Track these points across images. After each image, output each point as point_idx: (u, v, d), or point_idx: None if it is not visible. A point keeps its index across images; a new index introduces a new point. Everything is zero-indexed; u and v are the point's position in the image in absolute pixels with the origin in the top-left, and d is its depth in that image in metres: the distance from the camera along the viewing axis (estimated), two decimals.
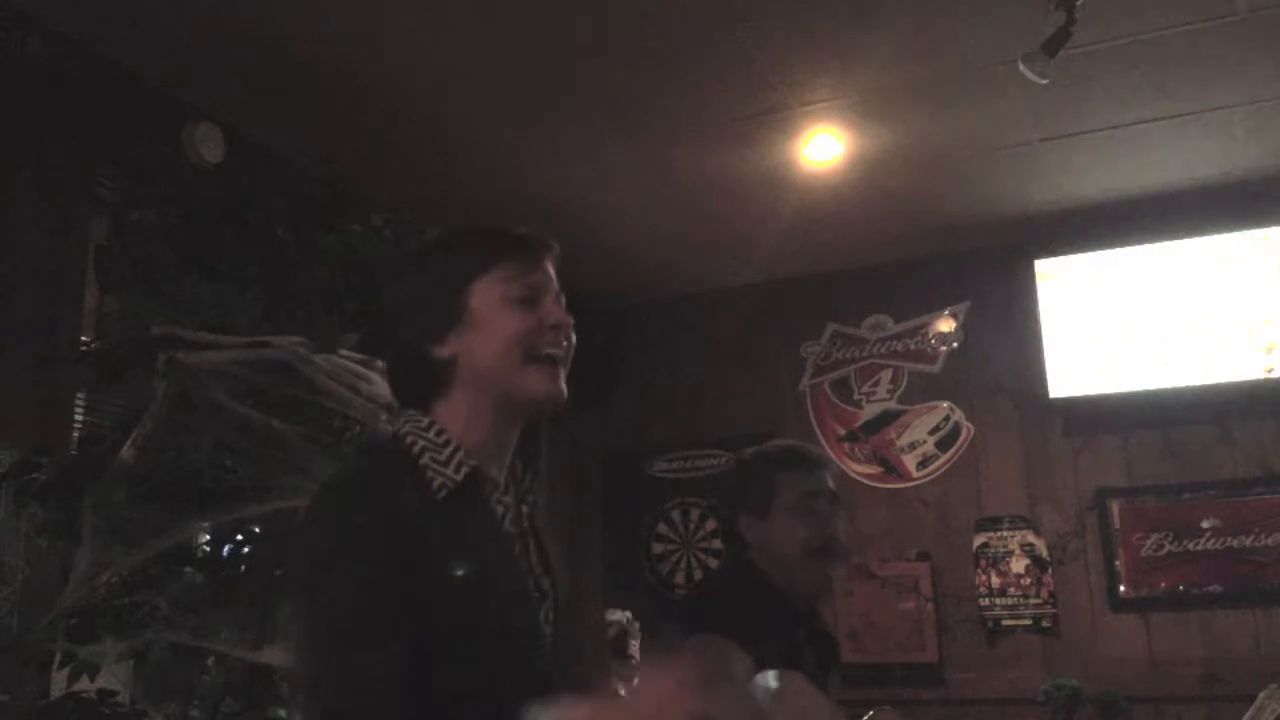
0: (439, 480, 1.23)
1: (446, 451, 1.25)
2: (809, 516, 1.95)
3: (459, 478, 1.24)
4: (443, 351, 1.28)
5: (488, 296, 1.29)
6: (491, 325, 1.28)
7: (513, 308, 1.29)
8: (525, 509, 1.35)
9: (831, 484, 2.03)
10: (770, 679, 1.64)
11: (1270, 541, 3.83)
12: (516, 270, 1.30)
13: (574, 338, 1.33)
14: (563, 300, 1.33)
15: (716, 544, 4.60)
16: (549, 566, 1.34)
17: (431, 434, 1.26)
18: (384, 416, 1.92)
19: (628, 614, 3.51)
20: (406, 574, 1.15)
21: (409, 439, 1.26)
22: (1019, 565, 4.11)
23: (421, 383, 1.30)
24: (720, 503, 2.27)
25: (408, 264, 1.42)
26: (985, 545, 4.17)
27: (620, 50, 2.93)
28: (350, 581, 1.14)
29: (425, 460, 1.24)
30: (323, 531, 1.21)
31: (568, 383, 1.32)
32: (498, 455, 1.31)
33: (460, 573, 1.19)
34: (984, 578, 4.15)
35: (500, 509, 1.29)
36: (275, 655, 1.88)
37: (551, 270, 1.34)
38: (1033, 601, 4.08)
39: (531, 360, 1.28)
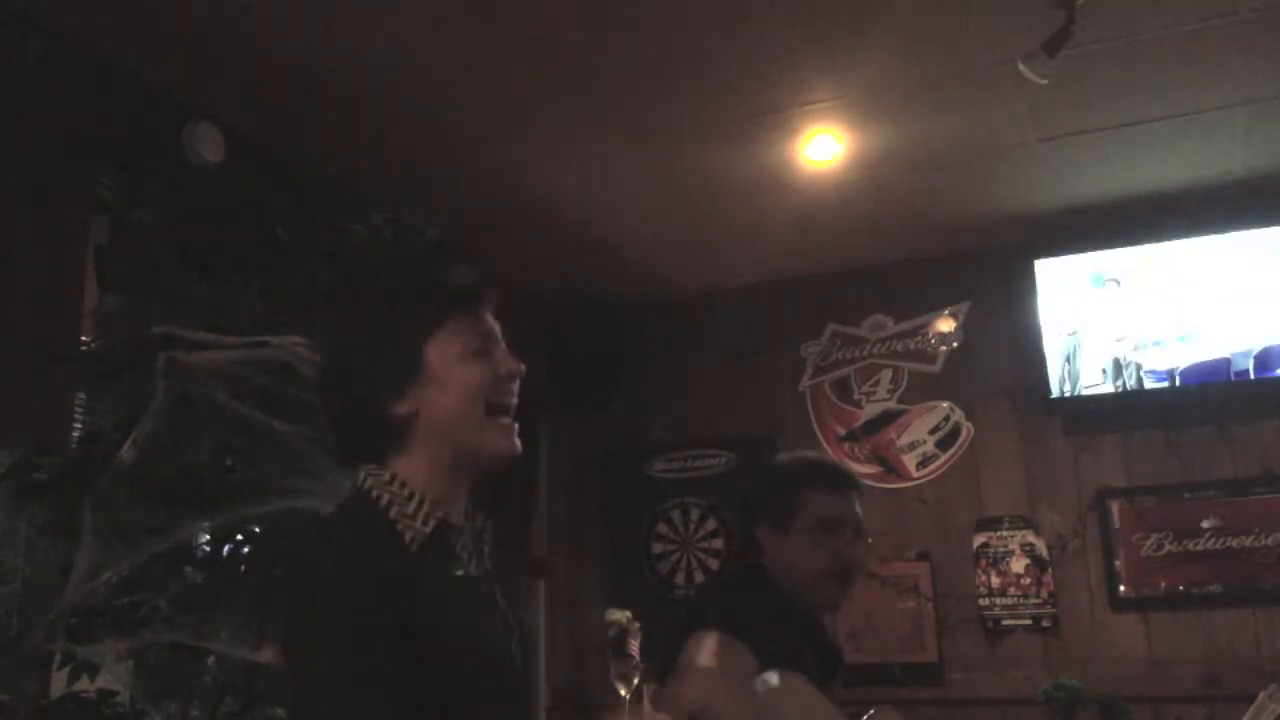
0: (410, 534, 1.25)
1: (413, 505, 1.27)
2: (829, 542, 1.94)
3: (428, 529, 1.26)
4: (403, 408, 1.29)
5: (444, 351, 1.31)
6: (452, 380, 1.30)
7: (470, 361, 1.31)
8: (485, 550, 1.38)
9: (857, 507, 2.01)
10: (772, 678, 1.64)
11: (1270, 541, 3.83)
12: (468, 323, 1.33)
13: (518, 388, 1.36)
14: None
15: (717, 544, 4.60)
16: (511, 602, 1.38)
17: (395, 487, 1.28)
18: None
19: (628, 614, 3.50)
20: (394, 628, 1.16)
21: (374, 493, 1.28)
22: (1019, 565, 4.11)
23: (377, 437, 1.31)
24: (740, 506, 2.25)
25: (352, 315, 1.43)
26: (985, 545, 4.17)
27: (620, 50, 2.93)
28: (352, 644, 1.15)
29: (394, 514, 1.26)
30: (315, 606, 1.20)
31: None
32: (457, 502, 1.34)
33: (448, 621, 1.22)
34: (984, 578, 4.15)
35: (465, 555, 1.32)
36: (275, 655, 1.88)
37: (492, 318, 1.37)
38: (1033, 601, 4.08)
39: (492, 413, 1.31)
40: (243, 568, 2.05)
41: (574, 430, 4.85)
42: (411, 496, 1.27)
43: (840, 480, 2.03)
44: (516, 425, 1.34)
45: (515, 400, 1.35)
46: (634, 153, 3.50)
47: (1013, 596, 4.10)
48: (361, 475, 1.31)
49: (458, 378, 1.30)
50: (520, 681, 1.29)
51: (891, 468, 4.40)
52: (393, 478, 1.29)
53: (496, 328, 1.37)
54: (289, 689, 1.28)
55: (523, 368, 1.35)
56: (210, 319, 2.02)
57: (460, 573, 1.30)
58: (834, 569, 1.93)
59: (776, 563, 1.95)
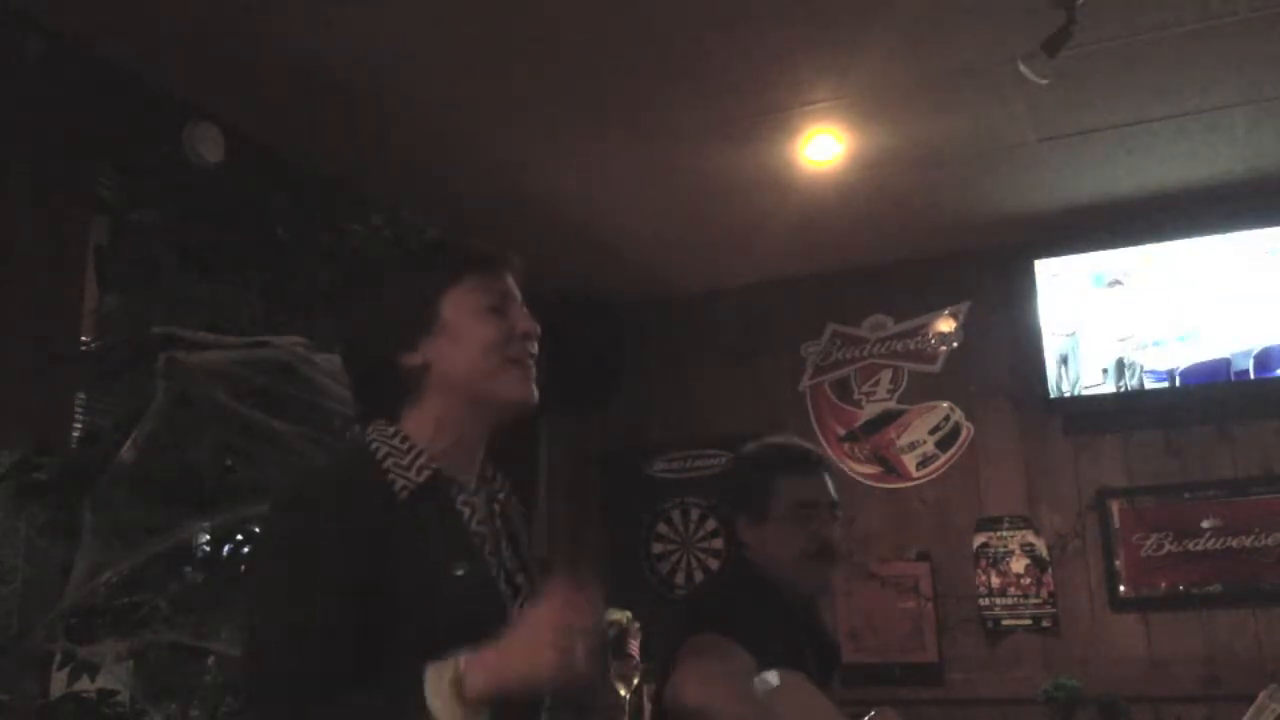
0: (400, 482, 1.25)
1: (409, 456, 1.28)
2: (805, 524, 1.94)
3: (420, 480, 1.26)
4: (414, 359, 1.30)
5: (460, 305, 1.32)
6: (467, 333, 1.31)
7: (485, 316, 1.32)
8: (496, 508, 1.38)
9: (830, 486, 2.02)
10: (772, 677, 1.64)
11: (1270, 541, 3.83)
12: (486, 280, 1.34)
13: (537, 349, 1.36)
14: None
15: (717, 544, 4.60)
16: (524, 563, 1.37)
17: (396, 440, 1.29)
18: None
19: (628, 614, 3.50)
20: (367, 572, 1.18)
21: (373, 444, 1.29)
22: (1019, 565, 4.11)
23: (389, 392, 1.32)
24: (720, 503, 2.26)
25: (370, 279, 1.44)
26: (985, 545, 4.17)
27: (620, 50, 2.93)
28: (297, 578, 1.18)
29: (388, 464, 1.27)
30: (280, 527, 1.25)
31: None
32: (467, 458, 1.34)
33: (423, 570, 1.22)
34: (984, 578, 4.15)
35: (467, 510, 1.32)
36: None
37: (514, 283, 1.38)
38: (1033, 601, 4.08)
39: (506, 363, 1.31)
40: (243, 568, 2.05)
41: (574, 430, 4.85)
42: (410, 449, 1.29)
43: (810, 462, 2.04)
44: (533, 373, 1.34)
45: (532, 358, 1.35)
46: (634, 153, 3.50)
47: (1013, 596, 4.10)
48: (369, 430, 1.32)
49: (472, 332, 1.31)
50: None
51: (891, 468, 4.40)
52: (395, 432, 1.30)
53: (516, 290, 1.38)
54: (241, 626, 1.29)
55: (539, 328, 1.36)
56: (210, 319, 2.03)
57: (451, 526, 1.29)
58: (812, 550, 1.93)
59: (760, 554, 1.96)
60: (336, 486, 1.26)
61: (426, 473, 1.27)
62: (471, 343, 1.31)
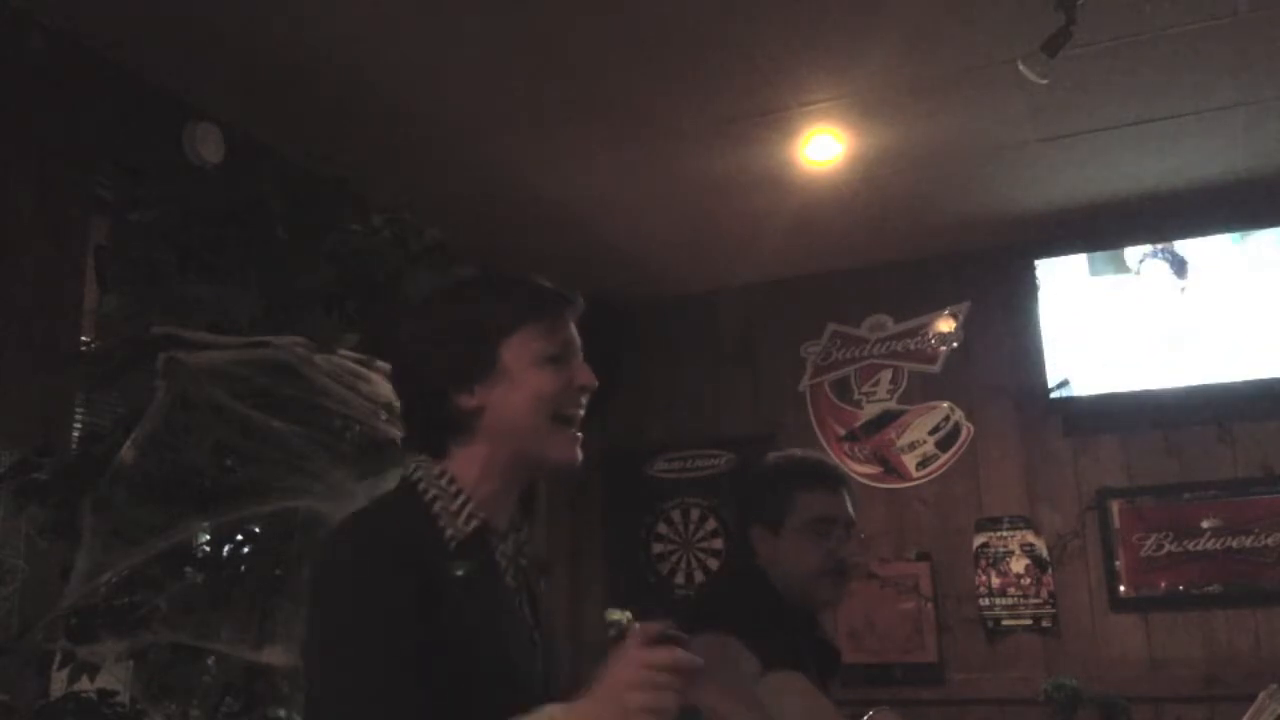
0: (450, 531, 1.24)
1: (457, 502, 1.26)
2: (822, 541, 1.93)
3: (469, 529, 1.25)
4: (469, 402, 1.28)
5: (521, 353, 1.29)
6: (524, 382, 1.28)
7: (545, 366, 1.29)
8: (522, 561, 1.35)
9: (849, 505, 2.01)
10: (773, 679, 1.64)
11: (1270, 541, 3.83)
12: (549, 328, 1.31)
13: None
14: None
15: (717, 544, 4.60)
16: (539, 619, 1.35)
17: (443, 482, 1.27)
18: (384, 416, 1.92)
19: (628, 614, 3.51)
20: (422, 621, 1.15)
21: (421, 485, 1.27)
22: (1019, 565, 4.11)
23: (437, 426, 1.30)
24: (732, 507, 2.24)
25: (433, 303, 1.38)
26: (985, 545, 4.17)
27: (620, 50, 2.93)
28: (373, 636, 1.14)
29: (437, 509, 1.25)
30: (344, 581, 1.20)
31: None
32: (503, 507, 1.32)
33: (473, 626, 1.20)
34: (984, 578, 4.14)
35: (503, 562, 1.30)
36: (275, 655, 1.88)
37: (574, 327, 1.35)
38: (1033, 601, 4.08)
39: (558, 422, 1.29)
40: (243, 568, 2.05)
41: None
42: (458, 494, 1.26)
43: (831, 478, 2.02)
44: (580, 436, 1.32)
45: (582, 413, 1.33)
46: (634, 153, 3.50)
47: (1013, 596, 4.10)
48: (411, 466, 1.30)
49: (530, 381, 1.28)
50: (540, 699, 1.27)
51: (891, 468, 4.40)
52: (442, 473, 1.28)
53: (577, 337, 1.35)
54: (305, 680, 1.26)
55: (596, 382, 1.34)
56: (210, 319, 2.02)
57: (493, 579, 1.27)
58: (828, 567, 1.92)
59: (771, 564, 1.95)
60: (393, 542, 1.21)
61: (474, 523, 1.25)
62: (527, 393, 1.28)
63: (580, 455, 1.32)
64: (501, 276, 1.38)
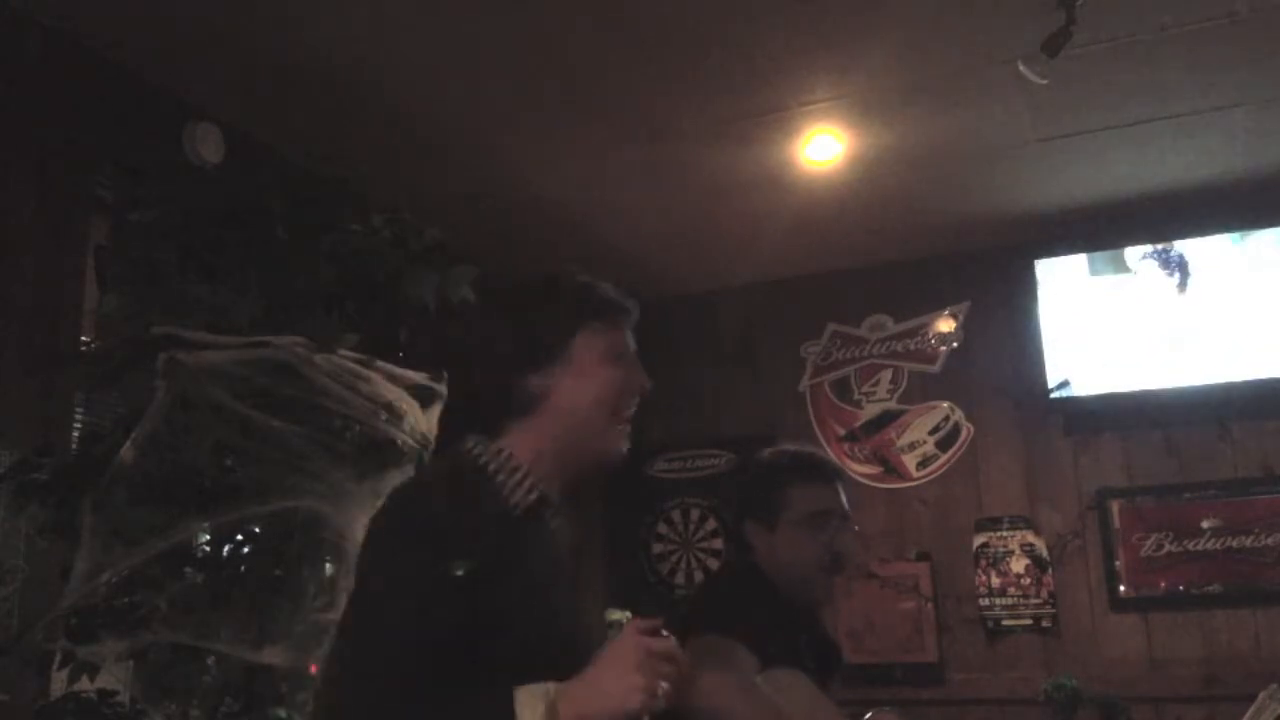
0: (515, 497, 1.29)
1: (518, 474, 1.30)
2: (817, 534, 1.94)
3: (532, 498, 1.30)
4: (537, 383, 1.33)
5: (590, 346, 1.36)
6: (592, 374, 1.35)
7: (611, 362, 1.36)
8: (565, 540, 1.41)
9: (844, 498, 2.01)
10: (771, 677, 1.64)
11: (1270, 541, 3.83)
12: (616, 329, 1.39)
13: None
14: None
15: (717, 544, 4.60)
16: (574, 596, 1.41)
17: (501, 457, 1.32)
18: (383, 416, 1.92)
19: (628, 614, 3.51)
20: (477, 584, 1.18)
21: (483, 459, 1.31)
22: (1019, 565, 4.11)
23: (494, 408, 1.35)
24: (729, 505, 2.24)
25: (512, 291, 1.46)
26: (985, 545, 4.17)
27: (620, 50, 2.93)
28: (394, 614, 1.18)
29: (500, 479, 1.29)
30: (376, 558, 1.24)
31: None
32: (553, 489, 1.36)
33: (524, 590, 1.24)
34: (984, 578, 4.15)
35: (559, 535, 1.36)
36: (275, 655, 1.88)
37: (632, 337, 1.43)
38: (1033, 601, 4.08)
39: (614, 417, 1.36)
40: (243, 568, 2.05)
41: None
42: (517, 468, 1.31)
43: (825, 472, 2.03)
44: (629, 430, 1.39)
45: (632, 414, 1.39)
46: (634, 153, 3.50)
47: (1013, 596, 4.10)
48: (469, 442, 1.34)
49: (598, 374, 1.35)
50: (579, 666, 1.29)
51: (891, 468, 4.39)
52: (500, 449, 1.32)
53: (634, 345, 1.43)
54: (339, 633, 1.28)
55: (650, 387, 1.40)
56: (210, 319, 2.02)
57: (549, 549, 1.32)
58: (824, 561, 1.93)
59: (768, 559, 1.95)
60: (456, 499, 1.26)
61: (535, 494, 1.30)
62: (594, 385, 1.34)
63: (626, 447, 1.38)
64: (571, 277, 1.44)
